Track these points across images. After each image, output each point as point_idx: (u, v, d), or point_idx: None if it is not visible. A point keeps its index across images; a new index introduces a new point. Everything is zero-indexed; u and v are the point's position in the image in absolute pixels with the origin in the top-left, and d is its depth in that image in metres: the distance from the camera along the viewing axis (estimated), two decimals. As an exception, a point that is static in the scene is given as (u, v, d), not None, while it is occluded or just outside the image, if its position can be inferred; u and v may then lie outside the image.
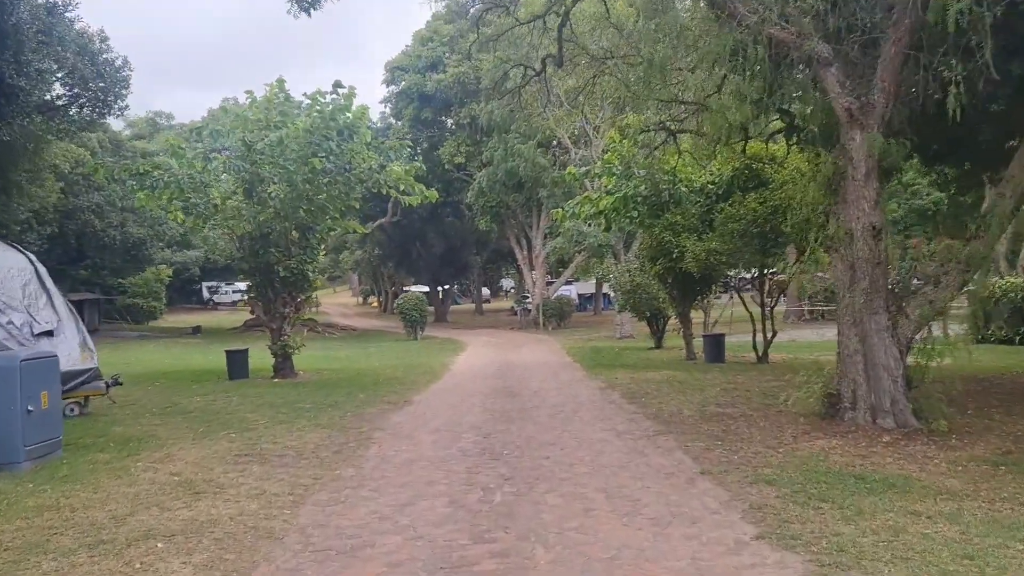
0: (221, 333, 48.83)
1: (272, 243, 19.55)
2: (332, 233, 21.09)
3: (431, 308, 57.48)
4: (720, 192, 19.81)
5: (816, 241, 11.91)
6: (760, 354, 19.80)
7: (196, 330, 47.66)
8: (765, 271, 20.01)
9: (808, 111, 12.93)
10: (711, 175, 20.37)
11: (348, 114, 19.42)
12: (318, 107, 18.97)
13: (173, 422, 11.78)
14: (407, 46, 50.28)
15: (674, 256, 19.60)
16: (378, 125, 48.99)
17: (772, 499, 6.84)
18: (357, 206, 20.90)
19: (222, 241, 19.94)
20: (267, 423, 11.49)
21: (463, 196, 47.21)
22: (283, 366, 19.78)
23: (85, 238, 37.67)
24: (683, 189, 20.37)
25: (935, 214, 34.00)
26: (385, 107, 50.89)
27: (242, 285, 52.09)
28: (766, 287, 20.70)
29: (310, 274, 19.68)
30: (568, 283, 53.15)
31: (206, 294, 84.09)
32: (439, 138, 49.30)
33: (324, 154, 18.92)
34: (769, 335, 19.99)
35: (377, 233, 58.83)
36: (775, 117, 15.27)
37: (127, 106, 29.36)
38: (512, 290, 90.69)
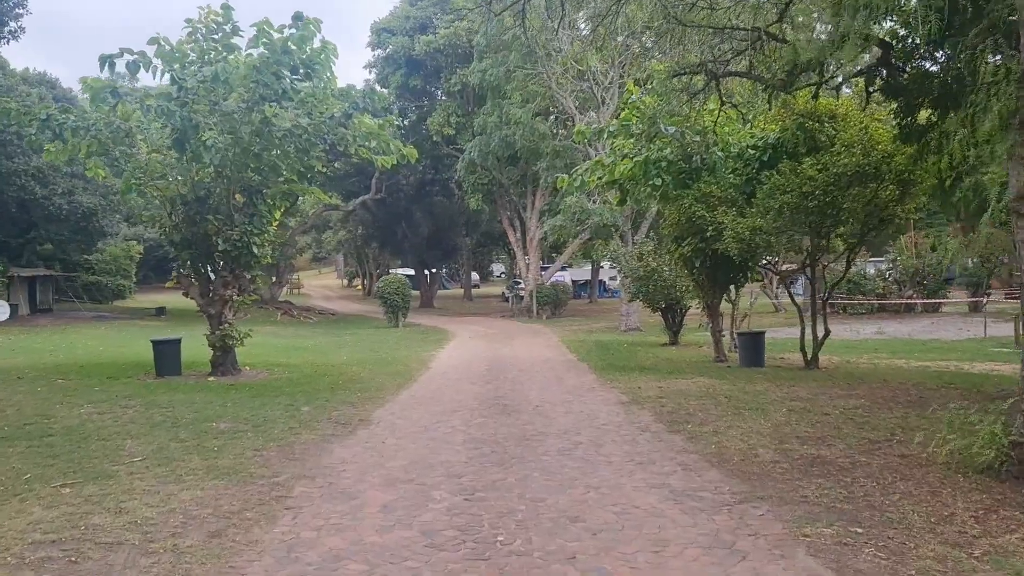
0: (188, 315, 44.84)
1: (210, 209, 15.74)
2: (286, 202, 17.20)
3: (417, 293, 53.92)
4: (765, 158, 16.10)
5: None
6: (809, 357, 16.14)
7: (160, 311, 43.71)
8: (820, 254, 16.31)
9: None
10: (752, 137, 16.66)
11: (308, 49, 15.57)
12: (265, 39, 15.06)
13: (3, 455, 7.99)
14: (395, 6, 46.21)
15: (707, 235, 15.88)
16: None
17: None
18: (321, 167, 17.05)
19: (152, 206, 16.12)
20: (143, 461, 7.71)
21: (452, 174, 43.42)
22: (222, 361, 16.00)
23: (28, 207, 33.57)
24: (719, 153, 16.64)
25: None
26: (370, 73, 46.86)
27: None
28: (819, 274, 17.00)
29: (256, 248, 15.84)
30: (562, 269, 49.50)
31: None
32: (428, 109, 45.44)
33: (275, 97, 15.11)
34: (820, 334, 16.30)
35: (360, 211, 55.03)
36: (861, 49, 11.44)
37: (21, 28, 25.19)
38: (503, 275, 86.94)
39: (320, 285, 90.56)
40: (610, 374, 15.54)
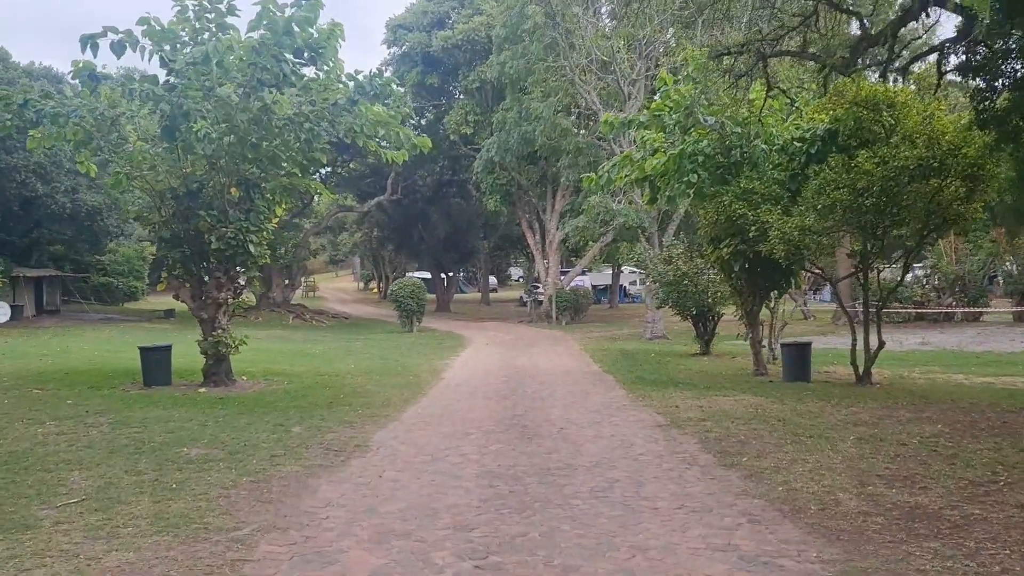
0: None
1: (203, 204, 14.38)
2: (287, 197, 15.74)
3: (433, 296, 52.58)
4: (813, 151, 14.54)
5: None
6: (861, 372, 14.56)
7: (169, 314, 42.51)
8: (873, 258, 14.74)
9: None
10: (798, 129, 15.11)
11: (313, 30, 14.19)
12: (268, 18, 13.69)
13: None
14: (412, 2, 44.88)
15: (749, 236, 14.34)
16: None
17: None
18: (324, 160, 15.67)
19: (139, 200, 14.79)
20: (80, 504, 6.29)
21: (470, 175, 42.05)
22: (215, 371, 14.63)
23: (30, 205, 32.42)
24: (762, 146, 15.11)
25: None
26: (386, 71, 45.49)
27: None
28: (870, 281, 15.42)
29: (253, 247, 14.44)
30: (582, 273, 47.93)
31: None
32: (445, 108, 44.08)
33: (275, 82, 13.74)
34: (873, 346, 14.71)
35: (376, 213, 53.80)
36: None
37: None
38: (520, 279, 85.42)
39: (336, 288, 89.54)
40: (640, 389, 14.02)
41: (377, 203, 49.06)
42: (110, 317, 40.49)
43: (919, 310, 34.96)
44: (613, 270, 58.26)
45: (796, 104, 14.76)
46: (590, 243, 37.47)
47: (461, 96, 44.04)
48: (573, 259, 55.72)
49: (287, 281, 48.45)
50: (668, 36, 23.48)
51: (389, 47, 44.76)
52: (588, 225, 26.30)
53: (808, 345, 15.46)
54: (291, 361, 20.28)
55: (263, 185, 14.95)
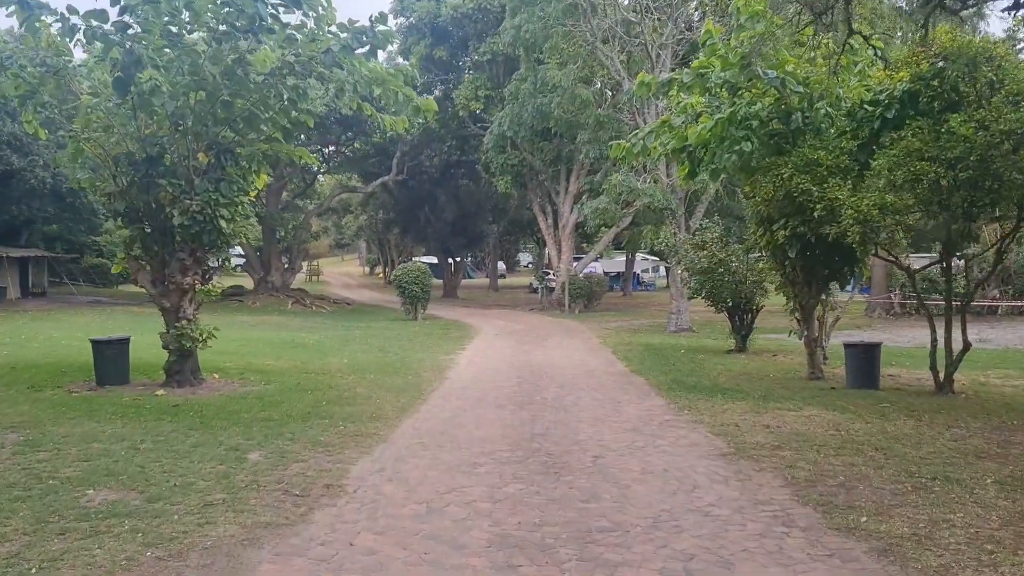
0: (192, 302, 41.74)
1: (165, 172, 12.12)
2: (266, 166, 13.37)
3: (440, 282, 50.41)
4: (890, 114, 12.19)
5: None
6: (943, 378, 12.27)
7: (161, 298, 40.35)
8: (963, 242, 12.43)
9: None
10: (868, 90, 12.76)
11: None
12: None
13: None
14: (421, -30, 42.38)
15: (813, 215, 11.99)
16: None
17: None
18: (311, 123, 13.39)
19: (89, 165, 12.48)
20: None
21: (479, 156, 39.73)
22: (178, 369, 12.42)
23: (9, 181, 30.20)
24: (826, 110, 12.77)
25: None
26: (392, 43, 43.10)
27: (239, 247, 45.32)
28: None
29: (224, 223, 12.18)
30: (595, 259, 45.53)
31: (201, 255, 77.27)
32: (454, 84, 41.70)
33: (250, 28, 11.47)
34: (954, 348, 12.40)
35: (382, 194, 51.53)
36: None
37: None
38: (530, 265, 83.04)
39: (341, 272, 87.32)
40: (682, 396, 11.75)
41: (382, 184, 46.76)
42: (99, 300, 38.41)
43: (959, 303, 32.49)
44: (627, 256, 55.87)
45: (879, 53, 12.38)
46: (603, 229, 35.20)
47: (471, 71, 41.71)
48: (584, 245, 53.41)
49: (287, 264, 46.21)
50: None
51: (396, 17, 42.31)
52: (608, 207, 23.95)
53: (877, 347, 13.13)
54: (279, 353, 18.07)
55: (237, 151, 12.67)
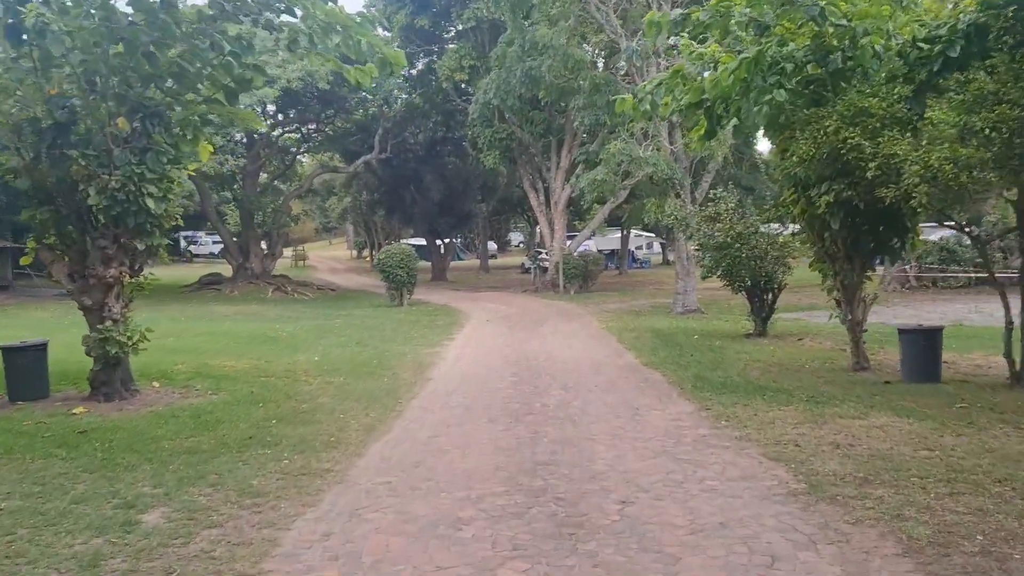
0: (169, 292, 39.72)
1: (77, 141, 9.94)
2: (206, 134, 11.16)
3: (428, 264, 48.31)
4: (954, 54, 10.07)
5: None
6: (1019, 367, 10.26)
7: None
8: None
9: None
10: (922, 27, 10.65)
11: None
12: None
13: None
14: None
15: (865, 175, 9.90)
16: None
17: None
18: (260, 82, 11.23)
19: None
20: None
21: (465, 132, 37.53)
22: (104, 379, 10.31)
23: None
24: (875, 48, 10.66)
25: None
26: (371, 12, 40.62)
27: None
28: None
29: (152, 202, 10.02)
30: (589, 237, 43.40)
31: (184, 244, 75.45)
32: (438, 55, 39.40)
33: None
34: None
35: (365, 174, 49.21)
36: None
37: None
38: (521, 244, 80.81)
39: (329, 257, 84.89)
40: (711, 398, 9.72)
41: (365, 163, 44.41)
42: (64, 294, 36.21)
43: (980, 274, 30.61)
44: (622, 233, 53.79)
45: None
46: (596, 206, 33.06)
47: (455, 41, 39.44)
48: (576, 223, 51.27)
49: (266, 250, 43.92)
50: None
51: (374, -16, 39.86)
52: (607, 177, 21.79)
53: (939, 332, 11.07)
54: (243, 350, 15.97)
55: (168, 114, 10.49)
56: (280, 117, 41.70)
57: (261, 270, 42.89)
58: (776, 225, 16.25)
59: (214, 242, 70.28)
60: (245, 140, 40.13)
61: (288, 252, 64.18)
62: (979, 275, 30.60)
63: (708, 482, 6.23)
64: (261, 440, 7.78)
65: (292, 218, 48.49)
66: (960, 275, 30.43)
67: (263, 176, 46.72)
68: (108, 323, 10.27)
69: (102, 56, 9.75)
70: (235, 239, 42.54)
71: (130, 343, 10.37)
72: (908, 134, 9.82)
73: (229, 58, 10.37)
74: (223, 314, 27.28)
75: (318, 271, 61.43)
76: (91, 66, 9.75)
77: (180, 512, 5.57)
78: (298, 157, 51.65)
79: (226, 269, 44.50)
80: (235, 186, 42.67)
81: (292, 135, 45.69)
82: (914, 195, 9.20)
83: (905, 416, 8.28)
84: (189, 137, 10.82)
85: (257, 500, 5.86)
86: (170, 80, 10.26)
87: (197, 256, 75.00)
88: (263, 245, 43.92)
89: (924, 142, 9.37)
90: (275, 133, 42.87)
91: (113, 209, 9.91)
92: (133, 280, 10.70)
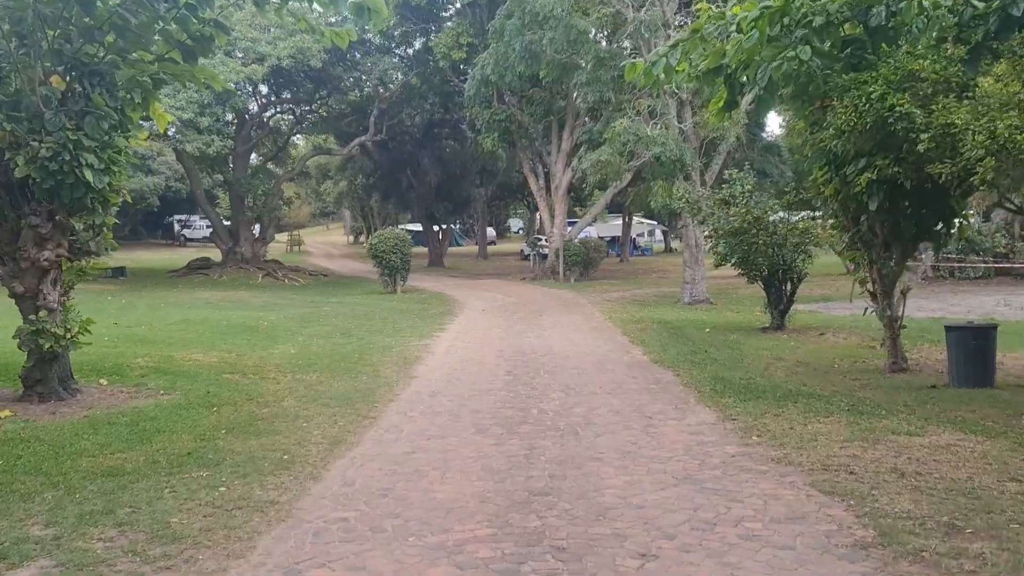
0: (155, 277, 38.50)
1: (5, 104, 8.58)
2: (155, 95, 9.79)
3: (425, 250, 47.02)
4: (1017, 12, 8.67)
5: None
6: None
7: (119, 272, 36.53)
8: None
9: None
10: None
11: None
12: None
13: None
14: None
15: (916, 149, 8.56)
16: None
17: None
18: (224, 39, 9.86)
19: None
20: None
21: (463, 114, 36.17)
22: (38, 378, 8.98)
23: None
24: (922, 3, 9.27)
25: None
26: (364, -11, 39.06)
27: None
28: None
29: (90, 173, 8.66)
30: (590, 223, 41.99)
31: (177, 228, 74.07)
32: (435, 33, 37.91)
33: None
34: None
35: (360, 158, 47.81)
36: None
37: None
38: (521, 231, 79.35)
39: (325, 242, 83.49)
40: (735, 404, 8.41)
41: (360, 145, 42.99)
42: None
43: (1000, 265, 29.28)
44: (624, 219, 52.42)
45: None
46: (597, 192, 31.59)
47: (453, 18, 37.98)
48: (577, 209, 49.90)
49: (256, 234, 42.55)
50: None
51: (368, -41, 38.27)
52: (612, 158, 20.40)
53: (993, 330, 9.73)
54: (216, 342, 14.65)
55: (113, 73, 9.12)
56: (273, 98, 40.35)
57: (252, 255, 41.52)
58: (803, 213, 14.95)
59: (207, 226, 69.04)
60: (235, 120, 38.70)
61: (284, 237, 62.86)
62: (999, 267, 29.29)
63: (747, 524, 4.92)
64: (200, 458, 6.45)
65: (284, 201, 46.99)
66: (979, 265, 29.13)
67: (254, 158, 45.35)
68: (43, 313, 8.94)
69: (30, 5, 8.38)
70: (226, 223, 41.23)
71: (68, 336, 9.03)
72: (965, 101, 8.49)
73: (184, 11, 9.02)
74: (206, 300, 26.00)
75: (313, 256, 60.11)
76: (17, 13, 8.38)
77: (62, 568, 4.25)
78: (292, 139, 50.22)
79: (216, 254, 43.23)
80: (227, 168, 41.31)
81: (285, 116, 44.33)
82: (977, 170, 7.86)
83: (971, 432, 6.97)
84: (138, 101, 9.46)
85: (169, 550, 4.54)
86: (112, 34, 8.89)
87: (191, 240, 73.57)
88: (254, 229, 42.58)
89: (990, 109, 8.03)
90: (267, 114, 41.49)
91: (46, 182, 8.56)
92: (73, 264, 9.35)
